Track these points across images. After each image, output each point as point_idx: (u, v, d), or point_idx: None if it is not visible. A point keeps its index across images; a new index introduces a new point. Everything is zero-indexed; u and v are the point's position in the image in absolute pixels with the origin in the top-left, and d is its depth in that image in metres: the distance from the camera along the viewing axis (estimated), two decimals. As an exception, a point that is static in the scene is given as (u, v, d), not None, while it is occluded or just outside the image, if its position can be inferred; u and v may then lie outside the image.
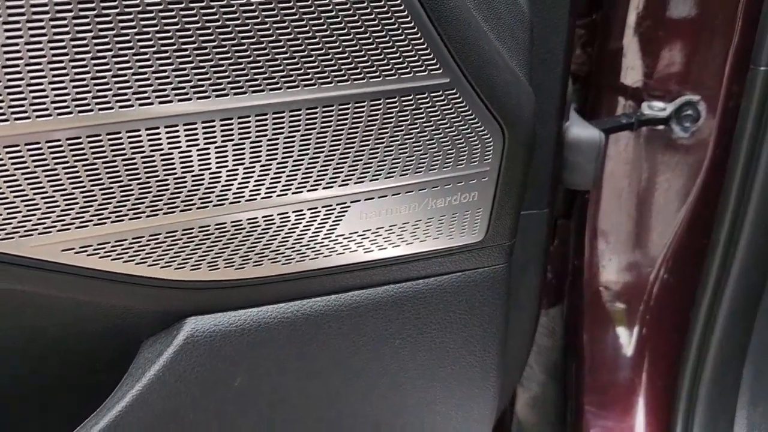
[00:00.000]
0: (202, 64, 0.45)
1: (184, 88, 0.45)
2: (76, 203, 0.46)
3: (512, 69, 0.55)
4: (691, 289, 0.83)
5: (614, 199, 0.98)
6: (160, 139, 0.46)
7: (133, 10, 0.42)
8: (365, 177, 0.53)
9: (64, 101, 0.43)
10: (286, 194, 0.52)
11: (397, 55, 0.48)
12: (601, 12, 1.04)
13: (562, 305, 1.08)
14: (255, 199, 0.51)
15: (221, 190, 0.50)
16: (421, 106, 0.51)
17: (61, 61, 0.42)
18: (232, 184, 0.50)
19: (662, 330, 0.87)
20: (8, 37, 0.40)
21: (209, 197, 0.49)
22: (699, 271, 0.84)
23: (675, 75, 0.90)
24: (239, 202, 0.50)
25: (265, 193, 0.51)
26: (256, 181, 0.50)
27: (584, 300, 0.93)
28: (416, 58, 0.49)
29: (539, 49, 0.64)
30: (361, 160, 0.52)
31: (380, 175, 0.54)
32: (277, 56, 0.46)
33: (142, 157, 0.46)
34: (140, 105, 0.45)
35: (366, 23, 0.47)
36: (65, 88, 0.43)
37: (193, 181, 0.48)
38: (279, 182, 0.51)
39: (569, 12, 0.65)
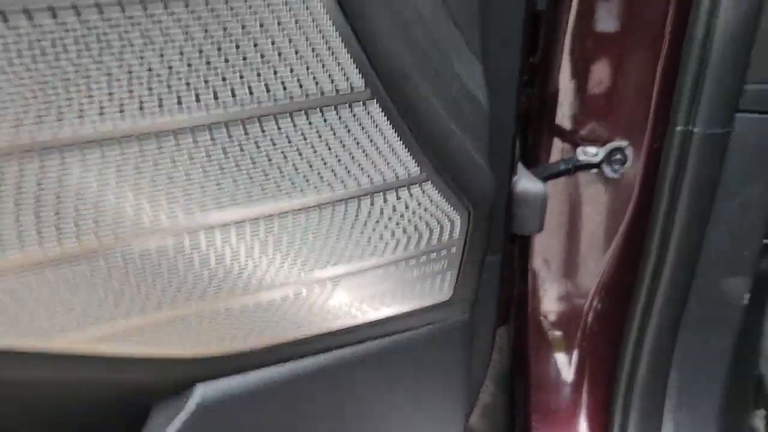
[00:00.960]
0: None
1: (222, 198, 0.52)
2: (114, 306, 0.53)
3: (477, 159, 0.63)
4: (622, 317, 0.95)
5: (554, 232, 1.08)
6: (201, 246, 0.53)
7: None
8: (354, 258, 0.61)
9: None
10: (301, 274, 0.59)
11: (385, 161, 0.56)
12: (538, 56, 1.14)
13: (509, 325, 1.19)
14: (276, 284, 0.58)
15: (250, 278, 0.57)
16: (401, 197, 0.60)
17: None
18: (258, 273, 0.57)
19: (598, 355, 0.99)
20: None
21: (240, 284, 0.56)
22: (628, 301, 0.95)
23: (604, 123, 1.01)
24: (264, 287, 0.58)
25: (284, 277, 0.58)
26: (278, 267, 0.58)
27: (528, 325, 1.04)
28: (400, 162, 0.57)
29: (492, 113, 0.72)
30: (354, 245, 0.60)
31: (368, 255, 0.62)
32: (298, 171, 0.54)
33: (185, 263, 0.53)
34: (186, 216, 0.51)
35: (356, 136, 0.54)
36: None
37: (226, 274, 0.55)
38: (296, 266, 0.58)
39: (517, 85, 0.74)
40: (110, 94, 0.41)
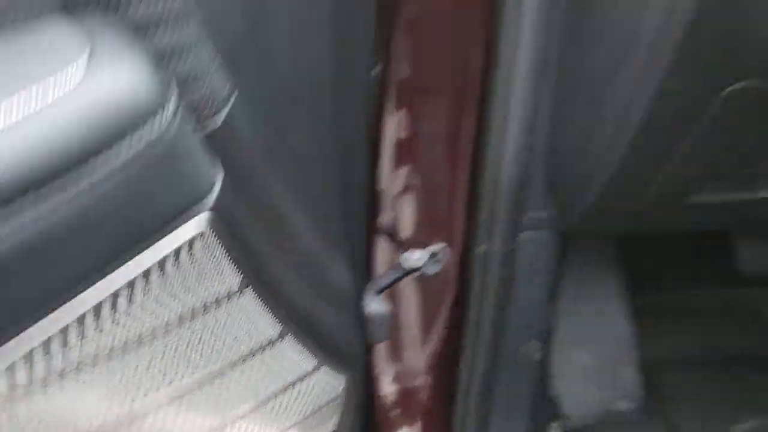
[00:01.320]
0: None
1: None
2: None
3: (353, 335, 0.81)
4: (451, 390, 1.19)
5: (389, 319, 1.29)
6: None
7: None
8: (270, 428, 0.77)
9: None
10: None
11: (295, 371, 0.72)
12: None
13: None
14: None
15: None
16: (301, 387, 0.76)
17: None
18: None
19: (436, 424, 1.23)
20: None
21: None
22: (454, 376, 1.20)
23: (423, 230, 1.24)
24: None
25: None
26: None
27: (373, 403, 1.25)
28: (304, 366, 0.73)
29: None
30: (271, 420, 0.76)
31: (279, 424, 0.78)
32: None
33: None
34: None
35: (272, 367, 0.70)
36: None
37: None
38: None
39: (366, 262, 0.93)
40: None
